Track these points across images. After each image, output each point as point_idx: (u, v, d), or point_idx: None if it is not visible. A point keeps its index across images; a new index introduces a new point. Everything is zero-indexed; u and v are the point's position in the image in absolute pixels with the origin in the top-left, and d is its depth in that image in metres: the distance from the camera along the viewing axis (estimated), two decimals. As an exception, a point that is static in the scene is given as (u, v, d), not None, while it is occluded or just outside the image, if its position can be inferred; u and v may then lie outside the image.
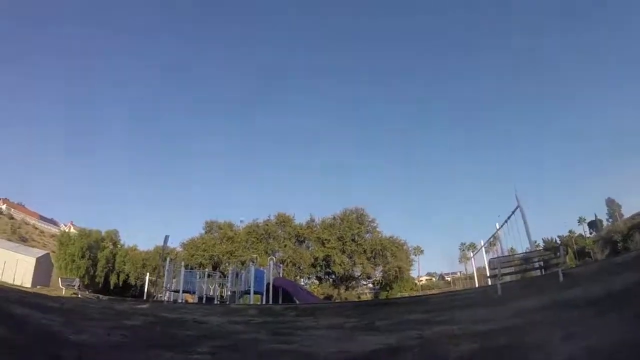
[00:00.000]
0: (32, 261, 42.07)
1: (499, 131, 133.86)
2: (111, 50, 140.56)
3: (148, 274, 40.03)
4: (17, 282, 37.18)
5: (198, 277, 27.86)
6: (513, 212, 15.51)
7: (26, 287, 35.36)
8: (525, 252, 13.56)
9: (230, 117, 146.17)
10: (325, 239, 51.02)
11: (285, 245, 51.29)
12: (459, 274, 76.18)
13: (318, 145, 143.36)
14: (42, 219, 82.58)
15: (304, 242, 53.90)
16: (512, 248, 17.58)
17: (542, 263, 11.78)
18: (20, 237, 56.96)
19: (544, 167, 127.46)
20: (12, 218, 68.41)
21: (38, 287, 38.17)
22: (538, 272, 12.52)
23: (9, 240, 49.88)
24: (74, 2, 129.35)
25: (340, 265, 49.84)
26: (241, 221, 55.64)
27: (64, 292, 36.51)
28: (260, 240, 51.60)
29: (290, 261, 48.96)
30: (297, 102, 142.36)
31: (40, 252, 46.41)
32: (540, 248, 18.31)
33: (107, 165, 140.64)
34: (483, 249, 24.51)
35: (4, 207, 73.73)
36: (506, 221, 16.48)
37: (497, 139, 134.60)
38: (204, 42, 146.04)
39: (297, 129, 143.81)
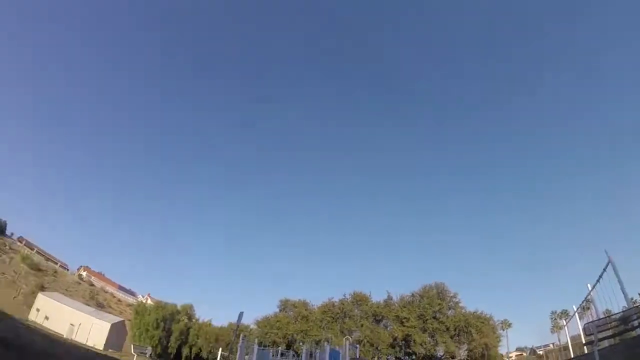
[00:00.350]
0: (107, 326, 44.95)
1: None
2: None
3: (220, 349, 40.54)
4: (90, 344, 39.79)
5: (271, 355, 27.79)
6: (604, 270, 14.42)
7: (98, 349, 37.23)
8: (622, 311, 12.22)
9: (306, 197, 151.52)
10: (405, 318, 48.98)
11: (362, 325, 49.81)
12: (551, 345, 68.17)
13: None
14: (121, 288, 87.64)
15: (382, 321, 52.13)
16: (607, 309, 15.84)
17: (641, 320, 10.55)
18: (97, 303, 59.88)
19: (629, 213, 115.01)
20: (91, 285, 72.26)
21: (110, 350, 40.07)
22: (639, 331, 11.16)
23: (87, 304, 52.78)
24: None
25: (422, 345, 47.10)
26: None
27: (135, 359, 37.83)
28: (335, 320, 50.57)
29: (367, 341, 47.18)
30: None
31: (116, 319, 49.41)
32: (639, 304, 16.39)
33: (187, 242, 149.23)
34: (576, 314, 22.28)
35: (84, 274, 78.66)
36: (598, 280, 15.19)
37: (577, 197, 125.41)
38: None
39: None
